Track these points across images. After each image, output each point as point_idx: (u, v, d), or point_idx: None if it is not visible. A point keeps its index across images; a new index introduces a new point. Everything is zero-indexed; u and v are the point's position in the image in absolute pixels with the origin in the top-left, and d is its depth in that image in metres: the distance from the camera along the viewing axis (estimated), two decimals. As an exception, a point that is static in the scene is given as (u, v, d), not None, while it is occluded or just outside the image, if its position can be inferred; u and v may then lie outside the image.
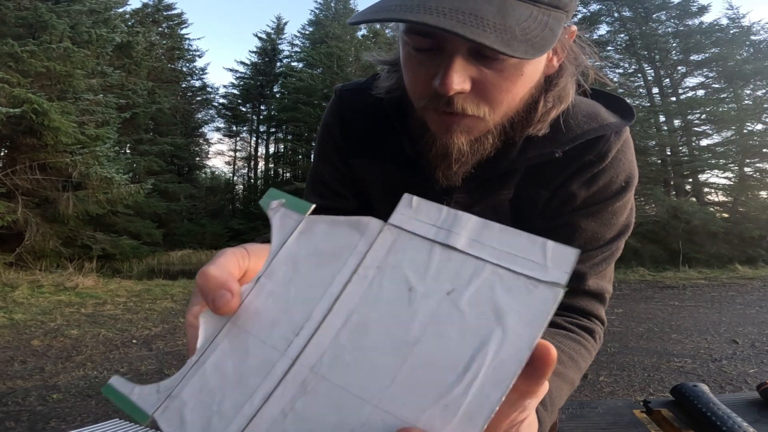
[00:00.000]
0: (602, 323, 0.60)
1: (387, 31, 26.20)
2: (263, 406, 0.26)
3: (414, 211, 0.32)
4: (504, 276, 0.27)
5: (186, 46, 25.73)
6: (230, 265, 0.33)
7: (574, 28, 0.54)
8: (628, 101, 0.63)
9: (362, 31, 26.44)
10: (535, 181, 0.58)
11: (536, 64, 0.50)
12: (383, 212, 0.75)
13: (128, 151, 18.79)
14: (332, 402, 0.25)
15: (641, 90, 14.61)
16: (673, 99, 13.74)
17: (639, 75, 14.41)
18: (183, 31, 25.39)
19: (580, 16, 15.24)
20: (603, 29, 14.97)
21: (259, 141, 29.13)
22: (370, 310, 0.28)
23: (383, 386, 0.25)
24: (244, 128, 29.54)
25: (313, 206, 0.34)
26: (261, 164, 28.90)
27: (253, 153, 29.10)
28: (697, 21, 13.33)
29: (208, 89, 27.91)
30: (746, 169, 12.56)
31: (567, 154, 0.57)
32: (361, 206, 0.72)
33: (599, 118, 0.58)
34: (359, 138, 0.66)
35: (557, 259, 0.27)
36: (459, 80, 0.46)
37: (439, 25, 0.39)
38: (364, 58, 0.68)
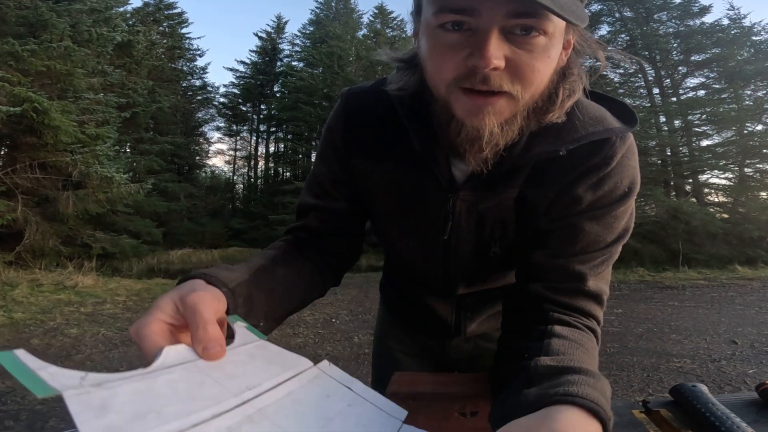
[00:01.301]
0: (599, 324, 0.61)
1: (388, 31, 26.22)
2: (211, 420, 0.34)
3: (330, 369, 0.51)
4: (376, 409, 0.49)
5: (186, 46, 25.73)
6: (216, 317, 0.45)
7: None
8: (629, 102, 0.64)
9: (363, 31, 26.48)
10: (539, 181, 0.59)
11: (558, 47, 0.51)
12: (387, 213, 0.77)
13: (128, 150, 18.78)
14: None
15: (642, 90, 14.61)
16: (674, 99, 13.73)
17: (639, 75, 14.40)
18: (183, 31, 25.38)
19: (580, 16, 15.24)
20: (604, 29, 14.97)
21: (260, 140, 29.15)
22: (303, 396, 0.44)
23: None
24: (245, 127, 29.55)
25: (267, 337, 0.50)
26: (261, 163, 28.95)
27: (253, 152, 29.12)
28: (698, 21, 13.33)
29: (209, 88, 27.92)
30: (746, 170, 12.56)
31: (572, 156, 0.58)
32: (355, 209, 0.73)
33: (605, 121, 0.59)
34: (363, 141, 0.67)
35: (397, 410, 0.52)
36: (498, 54, 0.46)
37: None
38: (377, 56, 0.68)
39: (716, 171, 12.89)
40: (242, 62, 30.22)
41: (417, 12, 0.55)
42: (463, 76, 0.49)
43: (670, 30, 13.73)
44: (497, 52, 0.46)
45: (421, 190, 0.65)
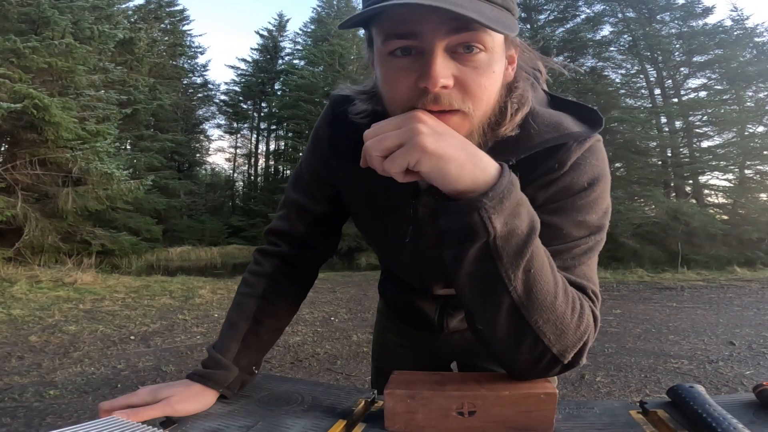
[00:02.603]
0: (591, 300, 0.58)
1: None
2: None
3: None
4: None
5: (188, 43, 25.71)
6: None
7: (518, 39, 0.59)
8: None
9: (363, 30, 26.43)
10: None
11: (501, 63, 0.54)
12: (362, 213, 0.80)
13: (129, 147, 18.77)
14: None
15: (643, 91, 14.59)
16: (675, 100, 13.72)
17: (641, 76, 14.39)
18: (185, 28, 25.37)
19: (584, 16, 15.26)
20: (606, 30, 14.96)
21: (260, 138, 29.14)
22: None
23: None
24: (245, 125, 29.54)
25: None
26: (261, 161, 28.95)
27: (253, 150, 29.11)
28: (700, 22, 13.31)
29: (210, 86, 27.93)
30: (747, 171, 12.56)
31: (529, 163, 0.59)
32: (335, 210, 0.79)
33: (561, 127, 0.59)
34: (345, 143, 0.70)
35: None
36: (444, 73, 0.49)
37: (433, 3, 0.43)
38: (339, 91, 0.73)
39: (716, 172, 12.90)
40: (243, 60, 30.22)
41: (369, 43, 0.58)
42: (415, 97, 0.51)
43: (673, 31, 13.71)
44: (444, 71, 0.49)
45: (389, 195, 0.68)
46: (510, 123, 0.57)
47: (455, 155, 0.47)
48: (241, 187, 29.66)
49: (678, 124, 13.47)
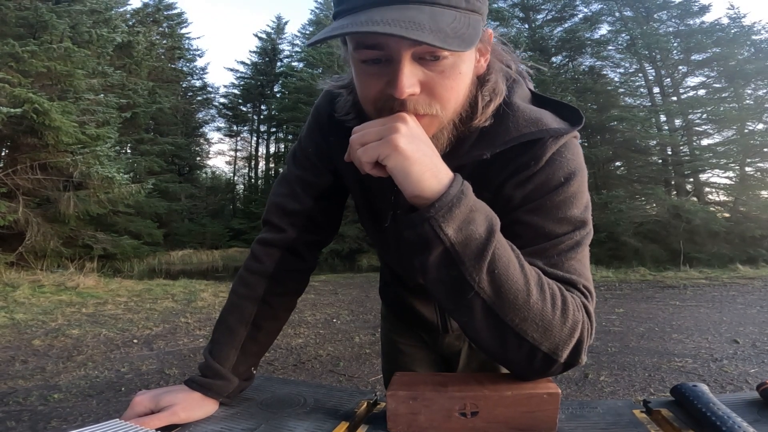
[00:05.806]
0: (583, 295, 0.57)
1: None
2: None
3: None
4: None
5: (186, 46, 25.75)
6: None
7: (491, 30, 0.60)
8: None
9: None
10: (478, 182, 0.59)
11: (469, 63, 0.55)
12: (353, 191, 0.79)
13: (129, 150, 18.80)
14: None
15: (642, 90, 14.59)
16: (674, 99, 13.71)
17: (640, 75, 14.39)
18: (183, 31, 25.41)
19: (581, 15, 15.26)
20: (604, 29, 14.98)
21: (260, 141, 29.17)
22: None
23: None
24: (245, 128, 29.58)
25: None
26: (261, 164, 28.97)
27: (253, 153, 29.15)
28: (698, 21, 13.32)
29: (209, 89, 27.98)
30: (747, 169, 12.54)
31: (505, 157, 0.60)
32: (336, 182, 0.79)
33: (540, 123, 0.60)
34: (341, 122, 0.71)
35: None
36: (410, 83, 0.51)
37: (389, 32, 0.45)
38: (320, 86, 0.75)
39: (717, 170, 12.89)
40: (242, 63, 30.28)
41: (343, 42, 0.59)
42: (384, 101, 0.54)
43: (671, 29, 13.71)
44: (410, 80, 0.51)
45: (374, 181, 0.68)
46: (482, 115, 0.59)
47: (420, 160, 0.50)
48: (241, 190, 29.69)
49: (678, 122, 13.46)
